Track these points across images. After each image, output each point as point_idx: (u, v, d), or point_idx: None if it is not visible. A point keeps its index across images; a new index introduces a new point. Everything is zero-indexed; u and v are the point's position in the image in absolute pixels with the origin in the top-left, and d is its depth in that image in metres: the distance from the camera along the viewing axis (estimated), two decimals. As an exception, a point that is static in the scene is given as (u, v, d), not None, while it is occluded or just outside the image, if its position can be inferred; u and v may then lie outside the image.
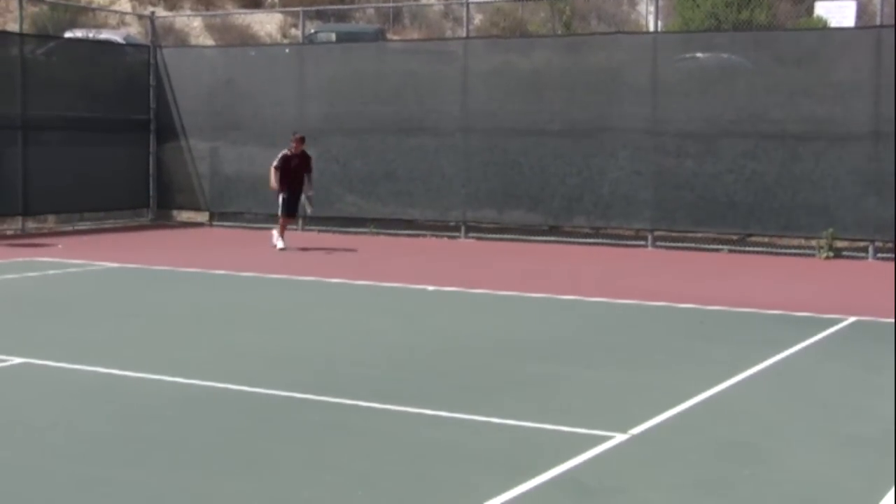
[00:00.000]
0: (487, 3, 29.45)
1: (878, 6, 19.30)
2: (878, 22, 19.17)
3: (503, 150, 20.65)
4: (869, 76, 18.49)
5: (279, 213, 19.32)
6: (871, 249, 18.60)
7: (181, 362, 9.81)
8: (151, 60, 24.42)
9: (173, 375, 9.18)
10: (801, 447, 7.33)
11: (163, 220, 24.57)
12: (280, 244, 19.14)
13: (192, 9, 34.42)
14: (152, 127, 24.44)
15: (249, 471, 6.69)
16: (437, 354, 10.45)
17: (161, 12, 31.35)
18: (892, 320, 12.28)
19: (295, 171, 19.08)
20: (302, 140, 19.39)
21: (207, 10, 34.21)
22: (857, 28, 23.92)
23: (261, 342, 10.87)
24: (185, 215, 24.81)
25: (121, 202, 24.35)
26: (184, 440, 7.35)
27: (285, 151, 19.23)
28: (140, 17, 30.55)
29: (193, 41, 31.80)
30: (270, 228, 19.53)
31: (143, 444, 7.27)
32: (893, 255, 17.68)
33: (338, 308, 13.43)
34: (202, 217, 24.47)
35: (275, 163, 19.17)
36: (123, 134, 23.98)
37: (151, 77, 24.39)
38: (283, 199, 19.16)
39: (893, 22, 19.29)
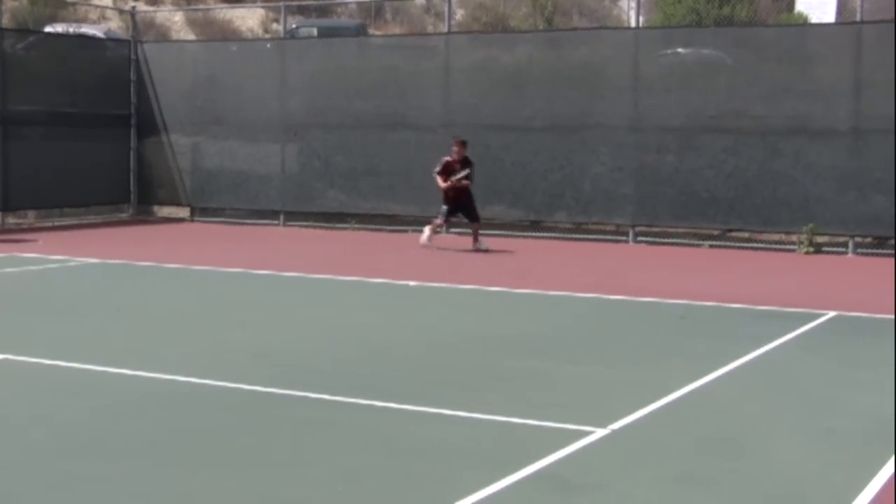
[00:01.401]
0: (469, -2, 29.50)
1: (859, 2, 19.36)
2: (858, 18, 19.24)
3: (485, 145, 20.65)
4: (849, 72, 18.55)
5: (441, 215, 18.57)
6: (850, 244, 18.68)
7: (164, 358, 9.80)
8: (132, 55, 24.34)
9: (156, 371, 9.17)
10: (781, 441, 7.37)
11: (144, 215, 24.50)
12: (425, 237, 18.39)
13: (173, 4, 34.35)
14: (133, 122, 24.36)
15: (232, 467, 6.69)
16: (421, 350, 10.46)
17: (142, 7, 31.25)
18: (873, 315, 12.37)
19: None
20: (463, 144, 18.29)
21: (189, 4, 34.14)
22: (837, 24, 24.02)
23: (244, 338, 10.86)
24: (165, 210, 24.75)
25: (101, 197, 24.27)
26: (167, 436, 7.35)
27: (447, 158, 18.30)
28: (121, 11, 30.49)
29: (175, 36, 31.74)
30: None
31: (126, 440, 7.26)
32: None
33: (321, 304, 13.43)
34: (183, 212, 24.41)
35: (437, 168, 18.37)
36: (104, 129, 23.90)
37: (132, 72, 24.30)
38: (445, 210, 18.37)
39: (875, 17, 19.32)
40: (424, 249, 18.12)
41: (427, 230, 18.49)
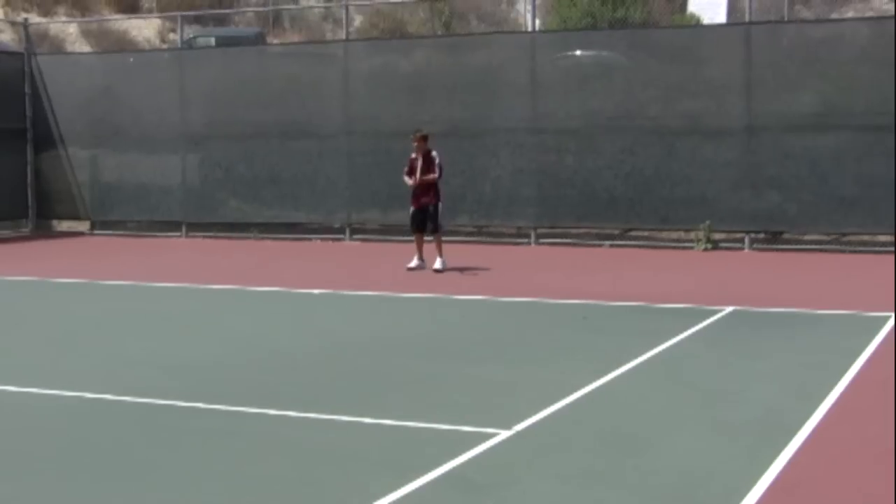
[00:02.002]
0: (366, 4, 29.49)
1: (747, 3, 19.78)
2: (747, 18, 19.64)
3: (386, 151, 20.70)
4: (741, 72, 18.92)
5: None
6: (746, 240, 19.05)
7: (66, 374, 9.71)
8: (26, 68, 24.00)
9: (54, 388, 9.07)
10: (682, 435, 7.53)
11: (43, 230, 24.16)
12: (412, 262, 16.77)
13: (67, 14, 33.87)
14: (29, 136, 24.01)
15: (136, 480, 6.66)
16: (323, 357, 10.49)
17: (35, 18, 30.79)
18: (769, 309, 12.68)
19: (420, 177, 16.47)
20: (423, 139, 16.44)
21: (83, 15, 33.69)
22: (728, 24, 24.45)
23: (147, 350, 10.79)
24: (65, 224, 24.44)
25: (-1, 213, 23.91)
26: (68, 452, 7.28)
27: (412, 155, 16.62)
28: (13, 23, 29.98)
29: (69, 48, 31.28)
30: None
31: (22, 458, 7.17)
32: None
33: (223, 314, 13.39)
34: (83, 226, 24.13)
35: (405, 169, 16.72)
36: (-1, 144, 23.55)
37: (27, 85, 23.96)
38: (411, 211, 16.76)
39: (763, 18, 19.73)
40: (408, 270, 16.66)
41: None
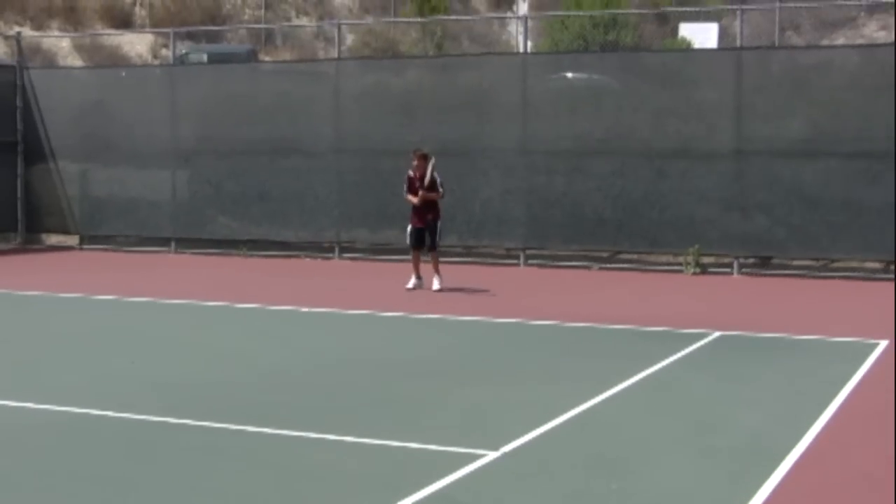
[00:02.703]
0: (359, 23, 29.56)
1: (739, 28, 19.85)
2: (738, 44, 19.72)
3: (375, 170, 20.73)
4: (731, 96, 18.98)
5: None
6: (735, 265, 19.09)
7: (51, 389, 9.69)
8: (18, 81, 23.98)
9: (39, 402, 9.07)
10: (667, 459, 7.55)
11: (31, 243, 24.11)
12: (410, 283, 16.68)
13: (59, 29, 33.87)
14: (20, 149, 23.98)
15: (120, 497, 6.65)
16: (312, 376, 10.49)
17: (28, 32, 30.80)
18: (756, 334, 12.70)
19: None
20: (423, 157, 16.50)
21: (76, 30, 33.71)
22: (719, 49, 24.55)
23: (134, 367, 10.78)
24: (54, 239, 24.39)
25: (-13, 226, 23.86)
26: (52, 468, 7.27)
27: (409, 173, 16.67)
28: (6, 37, 29.98)
29: (62, 62, 31.27)
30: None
31: (4, 473, 7.17)
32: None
33: (211, 331, 13.38)
34: (72, 240, 24.09)
35: (405, 188, 16.75)
36: (-10, 156, 23.51)
37: (18, 98, 23.94)
38: (410, 229, 16.70)
39: (754, 44, 19.82)
40: (406, 290, 16.57)
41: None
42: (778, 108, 18.76)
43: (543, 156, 20.09)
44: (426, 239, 16.57)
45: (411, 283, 16.64)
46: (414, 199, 16.51)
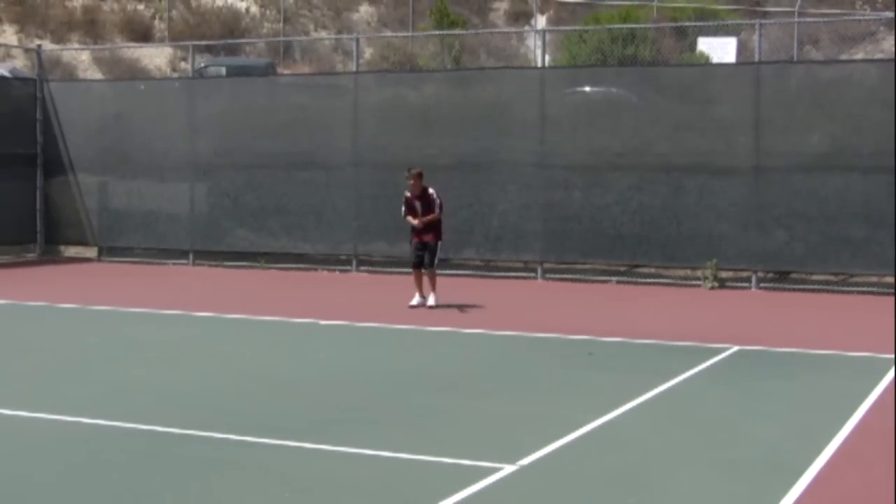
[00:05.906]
0: (377, 37, 29.63)
1: (757, 43, 19.84)
2: (756, 58, 19.70)
3: (393, 183, 20.69)
4: (749, 111, 18.96)
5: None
6: (753, 279, 19.04)
7: (67, 399, 9.72)
8: (38, 94, 24.09)
9: (55, 413, 9.09)
10: (684, 473, 7.52)
11: (50, 255, 24.20)
12: (413, 300, 16.52)
13: (79, 42, 34.06)
14: (39, 161, 24.08)
15: (141, 509, 6.66)
16: (327, 388, 10.49)
17: (48, 45, 30.97)
18: (774, 349, 12.66)
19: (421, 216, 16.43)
20: (418, 176, 16.41)
21: (95, 43, 33.89)
22: (737, 64, 24.51)
23: (149, 378, 10.80)
24: (73, 250, 24.47)
25: (7, 237, 23.93)
26: (63, 478, 7.28)
27: (406, 193, 16.60)
28: (26, 50, 30.16)
29: (81, 74, 31.46)
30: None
31: (20, 483, 7.18)
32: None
33: (227, 343, 13.39)
34: (91, 252, 24.16)
35: (403, 209, 16.69)
36: (9, 168, 23.58)
37: (38, 111, 24.04)
38: (414, 244, 16.64)
39: (772, 59, 19.78)
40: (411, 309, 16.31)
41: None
42: (797, 123, 18.73)
43: (561, 170, 20.08)
44: (425, 258, 16.54)
45: (415, 300, 16.62)
46: (414, 221, 16.49)
